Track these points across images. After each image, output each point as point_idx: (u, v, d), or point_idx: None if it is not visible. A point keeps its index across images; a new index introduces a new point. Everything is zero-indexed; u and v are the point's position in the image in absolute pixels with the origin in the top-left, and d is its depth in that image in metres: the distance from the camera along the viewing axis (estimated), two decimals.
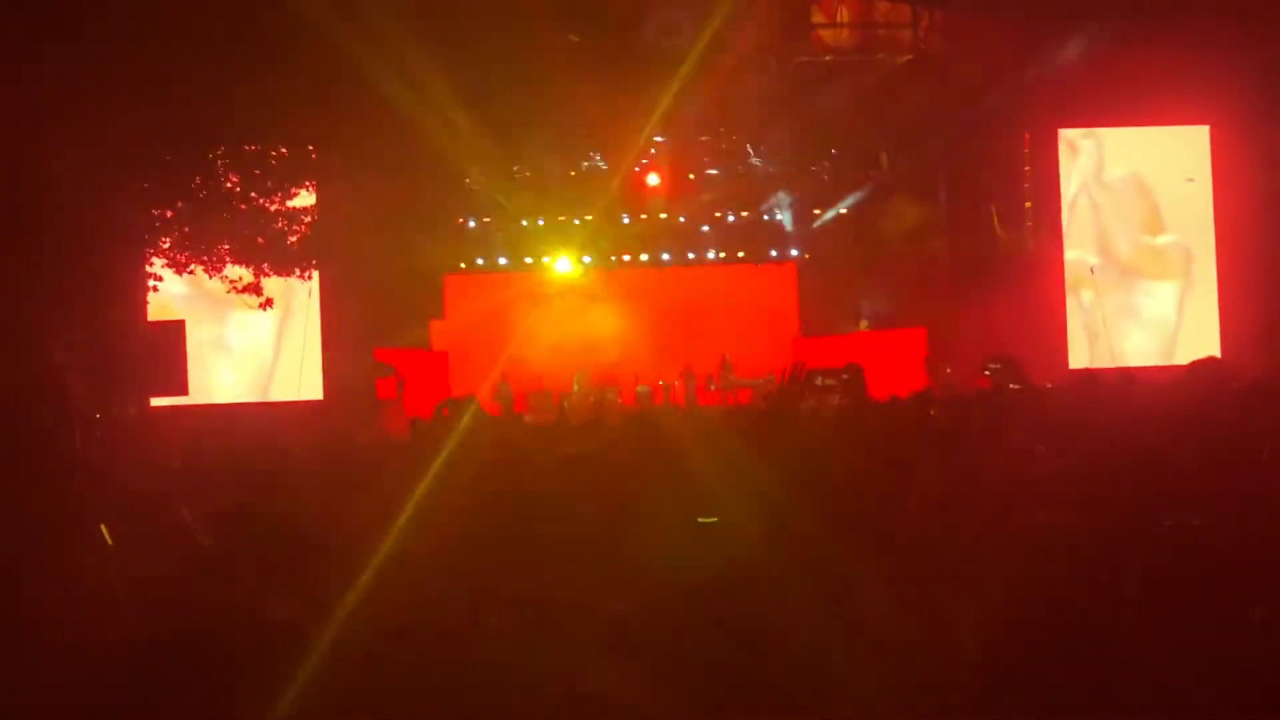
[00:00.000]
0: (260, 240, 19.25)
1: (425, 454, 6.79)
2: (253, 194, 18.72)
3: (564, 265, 32.10)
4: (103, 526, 5.52)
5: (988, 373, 22.27)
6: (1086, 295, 27.81)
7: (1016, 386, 8.91)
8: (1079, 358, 27.18)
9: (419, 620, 4.86)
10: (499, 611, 4.88)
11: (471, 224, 31.28)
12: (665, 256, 32.64)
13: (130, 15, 14.88)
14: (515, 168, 28.80)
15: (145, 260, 19.56)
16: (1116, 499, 4.87)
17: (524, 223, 31.32)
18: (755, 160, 30.88)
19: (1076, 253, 27.92)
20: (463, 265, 32.07)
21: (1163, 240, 28.33)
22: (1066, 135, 28.14)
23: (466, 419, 8.14)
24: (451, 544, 5.27)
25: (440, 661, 4.71)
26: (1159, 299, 28.30)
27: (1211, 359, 7.18)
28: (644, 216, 31.48)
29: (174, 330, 20.86)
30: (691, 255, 32.74)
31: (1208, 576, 3.93)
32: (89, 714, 4.39)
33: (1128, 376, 7.86)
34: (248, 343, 25.82)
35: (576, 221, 31.53)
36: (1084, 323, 27.83)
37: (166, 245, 18.94)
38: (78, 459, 8.28)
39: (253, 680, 4.44)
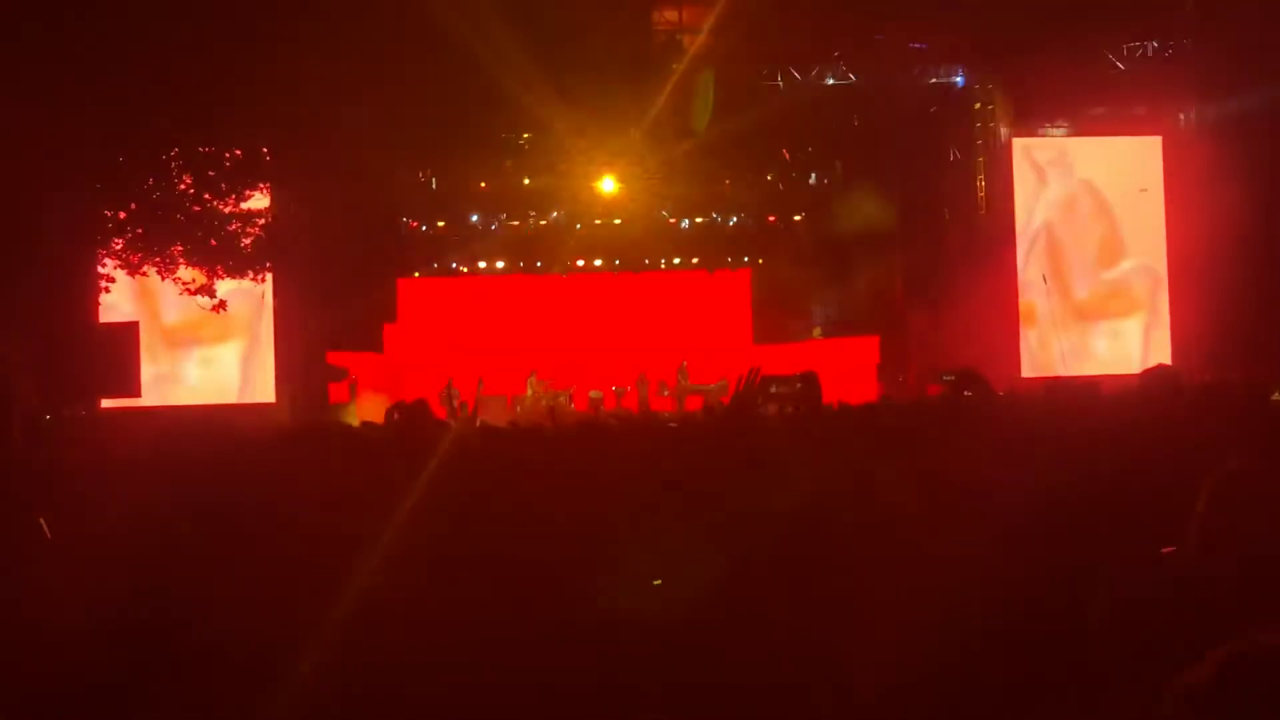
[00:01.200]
0: (213, 242, 19.15)
1: (377, 457, 6.76)
2: (206, 196, 18.64)
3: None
4: (41, 520, 5.47)
5: (947, 379, 22.39)
6: (1040, 306, 27.92)
7: (970, 394, 8.91)
8: (1031, 367, 27.30)
9: (370, 620, 4.84)
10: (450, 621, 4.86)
11: (425, 228, 31.22)
12: (618, 262, 32.67)
13: (83, 16, 14.82)
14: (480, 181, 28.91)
15: (97, 261, 19.44)
16: (1078, 514, 4.88)
17: (474, 220, 31.25)
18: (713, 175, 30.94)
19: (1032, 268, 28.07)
20: (416, 272, 32.07)
21: (1124, 266, 28.46)
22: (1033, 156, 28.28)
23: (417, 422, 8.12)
24: (404, 549, 5.25)
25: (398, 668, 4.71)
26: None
27: (1162, 366, 7.21)
28: (598, 222, 31.47)
29: (127, 332, 20.74)
30: (645, 261, 32.77)
31: (1175, 597, 3.93)
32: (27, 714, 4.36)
33: (1091, 385, 7.91)
34: (201, 348, 25.64)
35: (532, 224, 31.50)
36: (1037, 332, 27.96)
37: (119, 246, 18.83)
38: (22, 458, 8.20)
39: (197, 683, 4.41)
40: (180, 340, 25.24)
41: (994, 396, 9.00)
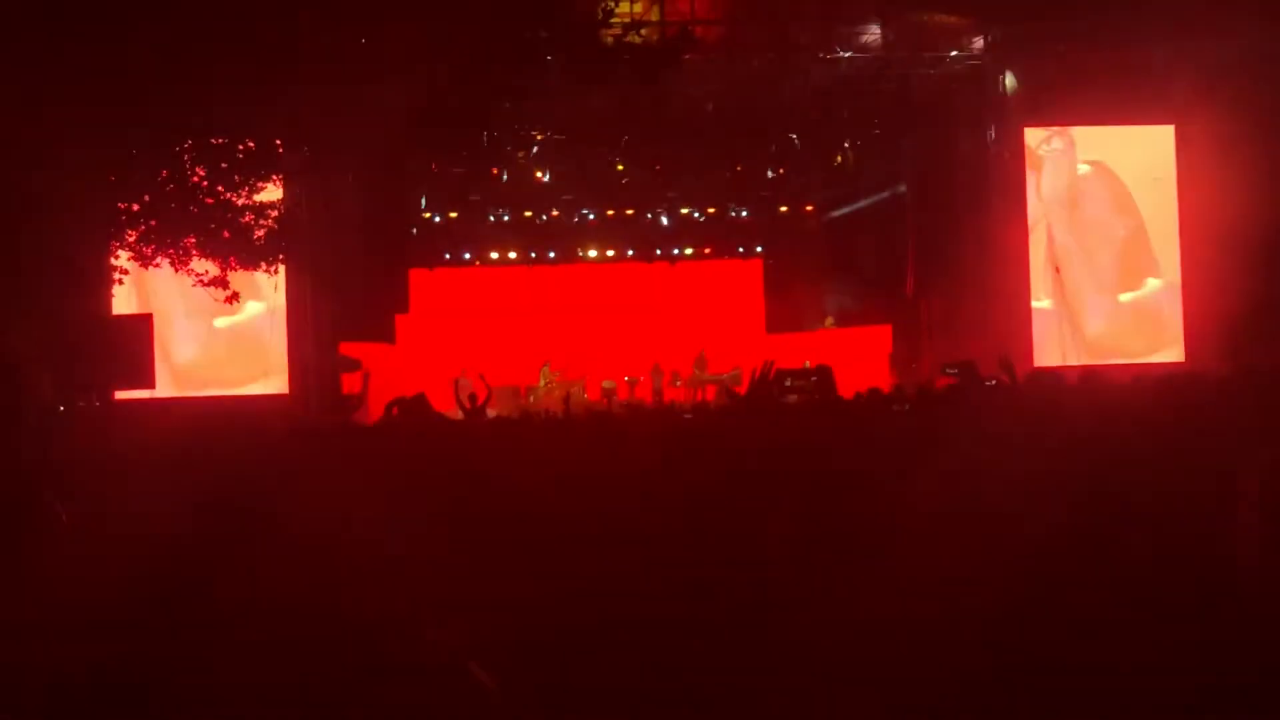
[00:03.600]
0: (226, 234, 19.17)
1: (375, 454, 6.79)
2: (219, 187, 18.64)
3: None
4: (57, 506, 5.52)
5: (950, 371, 22.39)
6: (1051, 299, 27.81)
7: (993, 382, 8.95)
8: (1044, 356, 27.22)
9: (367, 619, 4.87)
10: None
11: (438, 219, 31.24)
12: (630, 252, 32.72)
13: (96, 6, 14.83)
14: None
15: (111, 253, 19.48)
16: (1091, 498, 4.89)
17: (490, 218, 31.30)
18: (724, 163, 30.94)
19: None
20: (428, 263, 32.09)
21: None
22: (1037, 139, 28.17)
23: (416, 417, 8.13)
24: (402, 548, 5.28)
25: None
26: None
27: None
28: (610, 212, 31.50)
29: (141, 323, 20.80)
30: (658, 251, 32.83)
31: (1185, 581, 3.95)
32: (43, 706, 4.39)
33: (1091, 375, 7.89)
34: (213, 335, 25.60)
35: (544, 217, 31.52)
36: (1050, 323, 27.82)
37: (132, 238, 18.87)
38: (35, 450, 8.25)
39: (209, 674, 4.44)
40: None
41: (985, 388, 9.03)
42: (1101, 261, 27.95)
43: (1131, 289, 27.94)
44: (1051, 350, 27.39)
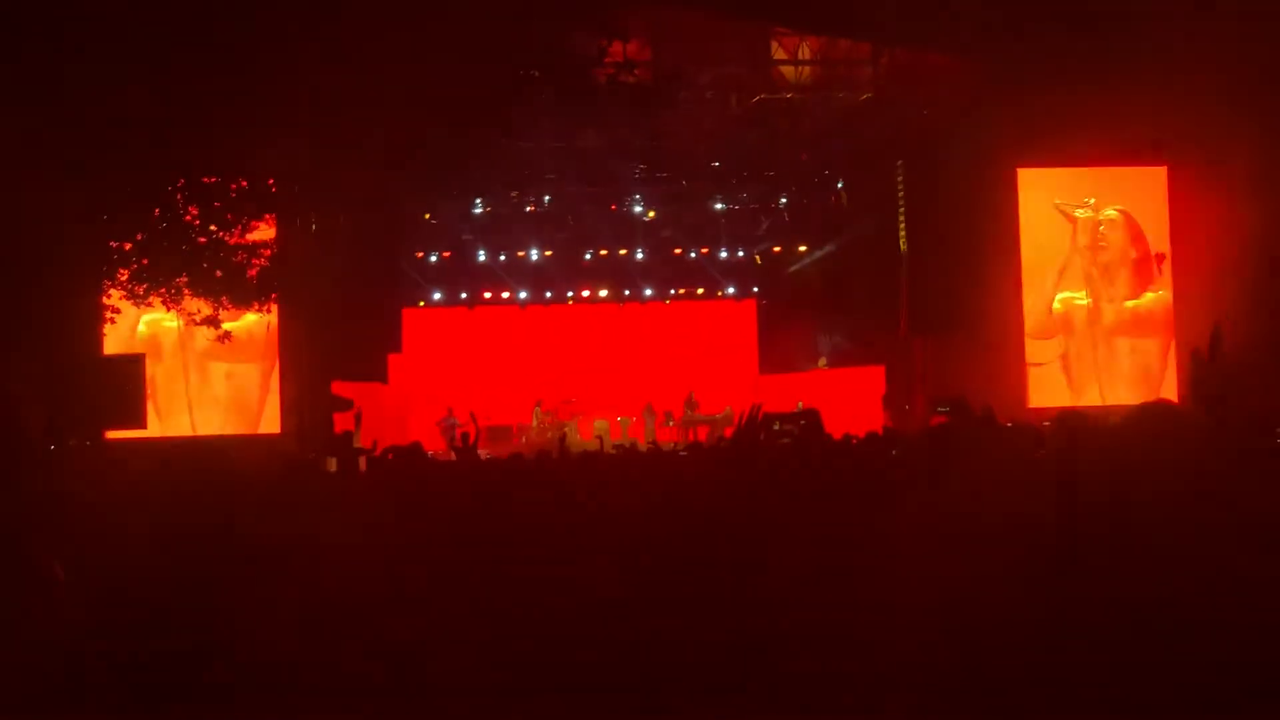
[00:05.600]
0: (219, 273, 19.13)
1: (371, 501, 6.79)
2: (212, 227, 18.61)
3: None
4: (56, 563, 5.46)
5: (942, 410, 22.38)
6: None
7: (982, 417, 8.92)
8: (1039, 397, 27.19)
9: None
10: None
11: (432, 258, 31.31)
12: (626, 292, 32.76)
13: (90, 46, 14.84)
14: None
15: (103, 292, 19.44)
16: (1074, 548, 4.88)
17: (483, 257, 31.36)
18: (717, 203, 31.05)
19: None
20: (422, 301, 32.12)
21: (1150, 298, 28.36)
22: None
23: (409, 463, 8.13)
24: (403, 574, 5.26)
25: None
26: (1143, 355, 28.34)
27: (1161, 401, 7.25)
28: (604, 253, 31.57)
29: (133, 364, 20.75)
30: (650, 292, 32.86)
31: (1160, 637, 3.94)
32: None
33: (1093, 416, 7.88)
34: (206, 377, 25.60)
35: (536, 256, 31.60)
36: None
37: (124, 277, 18.83)
38: (30, 491, 8.21)
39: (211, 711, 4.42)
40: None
41: (976, 424, 9.02)
42: (1095, 282, 28.23)
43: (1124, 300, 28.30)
44: (1046, 387, 27.44)
